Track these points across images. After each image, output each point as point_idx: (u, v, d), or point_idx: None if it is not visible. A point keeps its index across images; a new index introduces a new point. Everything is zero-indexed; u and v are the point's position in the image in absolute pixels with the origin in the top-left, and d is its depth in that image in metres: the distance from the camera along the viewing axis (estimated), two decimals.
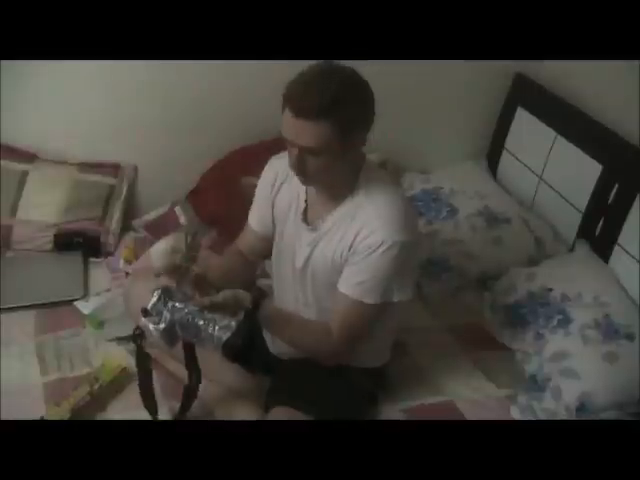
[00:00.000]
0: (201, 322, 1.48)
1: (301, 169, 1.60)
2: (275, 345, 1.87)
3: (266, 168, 1.85)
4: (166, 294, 1.52)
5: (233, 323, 1.47)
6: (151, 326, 1.51)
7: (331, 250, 1.69)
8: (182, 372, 1.90)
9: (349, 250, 1.65)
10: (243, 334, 1.47)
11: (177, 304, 1.51)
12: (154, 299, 1.51)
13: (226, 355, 1.48)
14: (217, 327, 1.47)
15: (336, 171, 1.63)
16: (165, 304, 1.50)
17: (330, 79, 1.52)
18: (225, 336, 1.45)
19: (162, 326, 1.50)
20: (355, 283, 1.65)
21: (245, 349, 1.47)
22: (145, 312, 1.51)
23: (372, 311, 1.68)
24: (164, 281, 1.59)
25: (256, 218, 1.88)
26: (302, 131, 1.52)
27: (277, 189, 1.80)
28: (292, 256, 1.76)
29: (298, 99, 1.51)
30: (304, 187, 1.73)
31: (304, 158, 1.57)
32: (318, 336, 1.70)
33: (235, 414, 1.78)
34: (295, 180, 1.70)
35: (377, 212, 1.63)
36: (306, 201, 1.74)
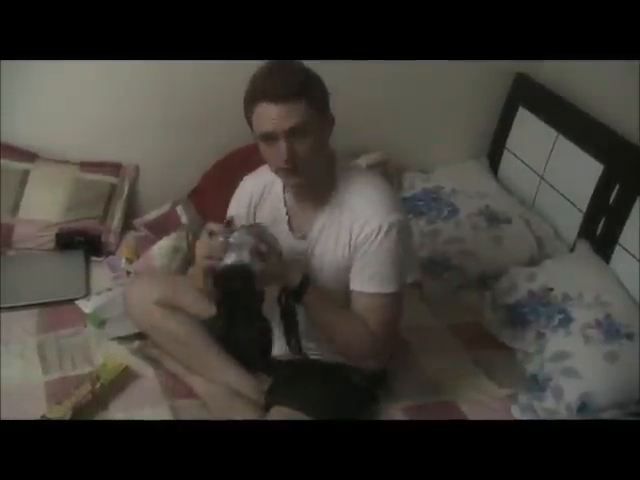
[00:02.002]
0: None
1: (291, 157, 1.57)
2: (276, 347, 1.86)
3: (239, 189, 1.83)
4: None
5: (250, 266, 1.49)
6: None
7: (330, 252, 1.68)
8: (182, 372, 1.92)
9: (349, 247, 1.65)
10: (241, 272, 1.48)
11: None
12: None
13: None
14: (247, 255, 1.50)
15: (320, 161, 1.63)
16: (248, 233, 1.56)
17: (291, 63, 1.59)
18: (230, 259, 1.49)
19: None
20: (368, 277, 1.64)
21: (231, 276, 1.48)
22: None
23: (394, 299, 1.66)
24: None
25: None
26: (285, 114, 1.53)
27: (254, 209, 1.79)
28: None
29: (272, 85, 1.54)
30: (282, 199, 1.74)
31: (293, 145, 1.56)
32: (360, 332, 1.65)
33: (235, 414, 1.78)
34: (272, 194, 1.73)
35: (365, 198, 1.65)
36: (287, 213, 1.74)
